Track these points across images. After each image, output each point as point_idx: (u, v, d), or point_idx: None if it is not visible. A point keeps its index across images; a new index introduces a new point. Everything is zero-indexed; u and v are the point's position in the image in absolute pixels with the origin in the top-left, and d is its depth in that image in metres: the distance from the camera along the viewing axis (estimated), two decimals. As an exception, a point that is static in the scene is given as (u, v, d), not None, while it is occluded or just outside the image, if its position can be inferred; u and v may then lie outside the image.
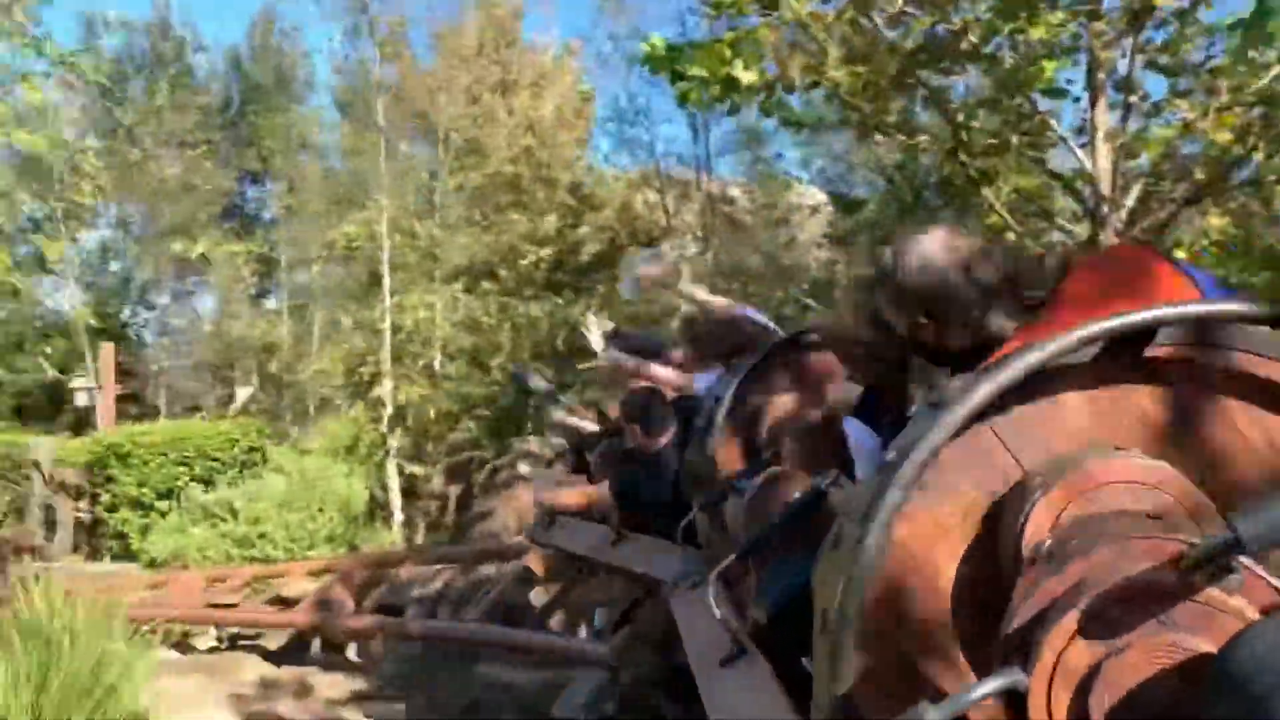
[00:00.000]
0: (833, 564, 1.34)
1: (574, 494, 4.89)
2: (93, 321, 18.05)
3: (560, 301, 16.53)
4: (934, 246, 1.94)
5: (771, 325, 4.10)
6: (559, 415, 6.00)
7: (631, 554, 4.16)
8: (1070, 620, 1.06)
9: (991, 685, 1.07)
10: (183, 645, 10.08)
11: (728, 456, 3.16)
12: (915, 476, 1.26)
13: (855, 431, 2.42)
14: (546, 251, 16.77)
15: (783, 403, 3.18)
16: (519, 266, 16.71)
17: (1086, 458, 1.27)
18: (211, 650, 10.14)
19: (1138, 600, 1.05)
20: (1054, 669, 1.06)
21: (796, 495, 2.40)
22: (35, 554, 13.99)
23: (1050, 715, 1.06)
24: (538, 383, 7.23)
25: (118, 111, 21.02)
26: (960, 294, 1.89)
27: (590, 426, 5.60)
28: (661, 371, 4.36)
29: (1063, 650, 1.06)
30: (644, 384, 4.32)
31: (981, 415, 1.30)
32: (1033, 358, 1.27)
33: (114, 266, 22.99)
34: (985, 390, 1.27)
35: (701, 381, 3.93)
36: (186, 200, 20.97)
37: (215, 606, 9.73)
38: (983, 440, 1.32)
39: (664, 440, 4.09)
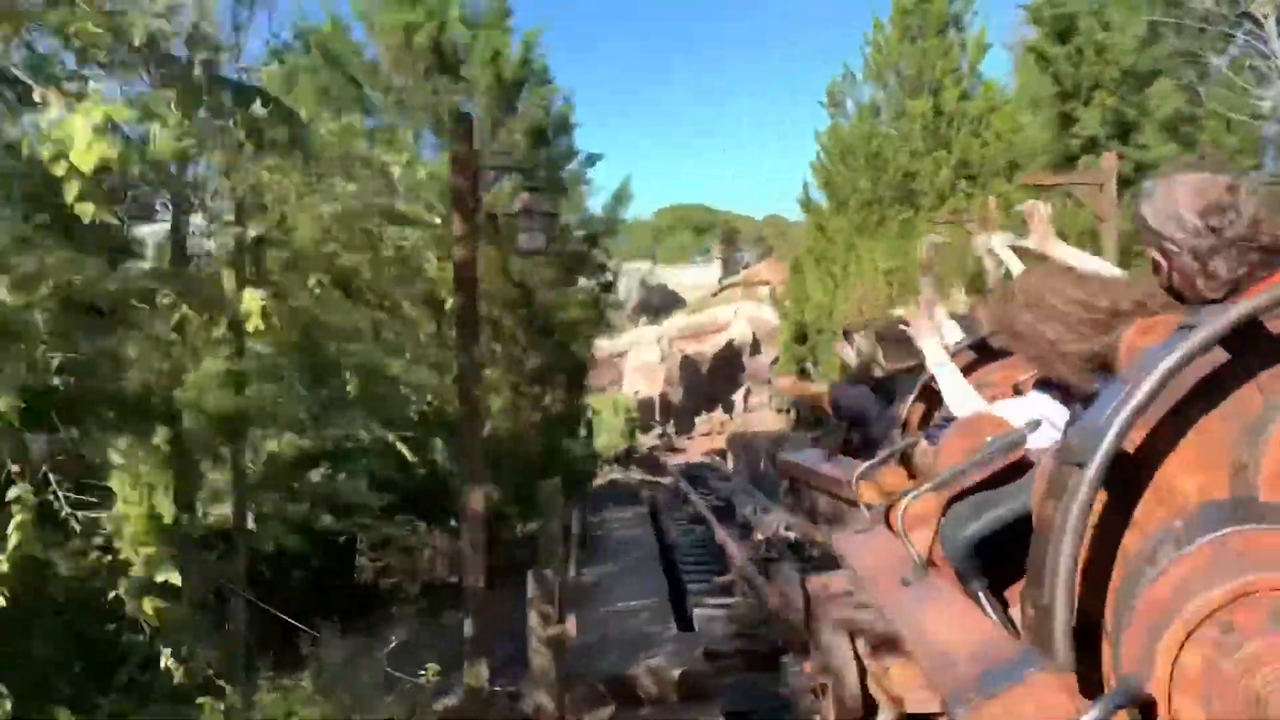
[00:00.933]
0: (1060, 475, 1.39)
1: (797, 384, 6.02)
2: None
3: None
4: (1178, 190, 1.91)
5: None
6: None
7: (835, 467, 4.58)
8: (1181, 624, 1.05)
9: (1109, 705, 1.06)
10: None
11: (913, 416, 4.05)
12: (1159, 383, 1.27)
13: (1041, 401, 2.59)
14: None
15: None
16: None
17: None
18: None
19: (1245, 598, 1.03)
20: (1170, 678, 1.04)
21: (991, 439, 2.53)
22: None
23: None
24: (848, 347, 5.76)
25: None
26: (1193, 241, 1.87)
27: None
28: (940, 314, 4.49)
29: (1177, 656, 1.05)
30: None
31: (1235, 348, 1.36)
32: None
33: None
34: (1237, 313, 1.31)
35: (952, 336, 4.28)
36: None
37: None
38: (1229, 367, 1.37)
39: (899, 366, 4.55)
